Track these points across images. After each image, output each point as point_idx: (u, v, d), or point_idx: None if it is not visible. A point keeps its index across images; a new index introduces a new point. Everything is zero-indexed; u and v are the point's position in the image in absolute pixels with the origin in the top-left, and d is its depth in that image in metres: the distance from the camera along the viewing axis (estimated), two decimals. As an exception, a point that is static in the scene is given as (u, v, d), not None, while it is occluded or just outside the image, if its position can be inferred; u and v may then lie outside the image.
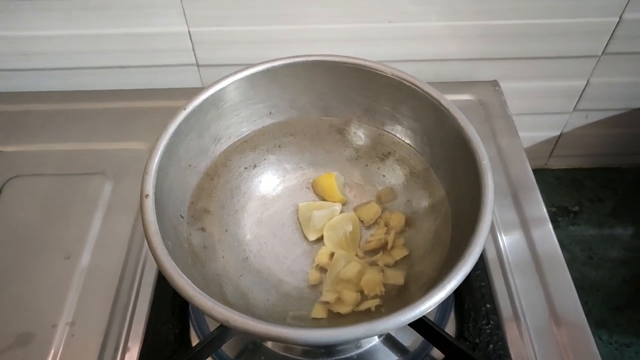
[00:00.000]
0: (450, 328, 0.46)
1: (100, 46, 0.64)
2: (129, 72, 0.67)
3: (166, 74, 0.67)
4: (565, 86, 0.70)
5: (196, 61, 0.66)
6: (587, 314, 0.46)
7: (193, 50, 0.64)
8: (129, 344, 0.46)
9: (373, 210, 0.48)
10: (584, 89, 0.71)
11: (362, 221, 0.48)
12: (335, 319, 0.41)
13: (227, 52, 0.65)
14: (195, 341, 0.45)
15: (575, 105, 0.73)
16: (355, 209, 0.49)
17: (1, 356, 0.45)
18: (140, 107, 0.65)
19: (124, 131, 0.62)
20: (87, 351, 0.45)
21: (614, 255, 0.78)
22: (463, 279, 0.34)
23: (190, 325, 0.46)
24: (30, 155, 0.60)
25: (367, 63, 0.45)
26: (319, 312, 0.42)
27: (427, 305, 0.32)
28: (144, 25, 0.61)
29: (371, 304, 0.41)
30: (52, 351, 0.45)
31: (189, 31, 0.62)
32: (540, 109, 0.74)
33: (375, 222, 0.48)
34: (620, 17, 0.61)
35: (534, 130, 0.78)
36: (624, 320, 0.73)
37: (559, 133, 0.78)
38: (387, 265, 0.44)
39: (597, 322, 0.72)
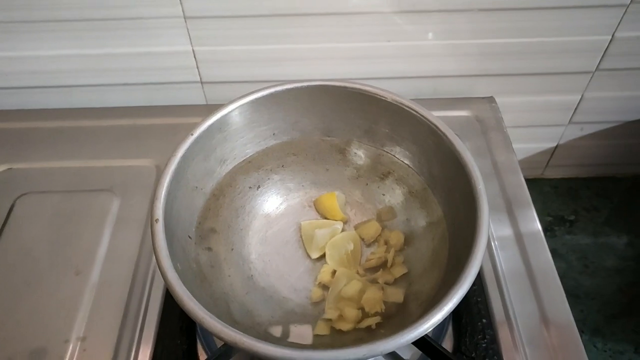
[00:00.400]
0: (447, 342, 0.47)
1: (106, 64, 0.65)
2: (134, 89, 0.68)
3: (171, 91, 0.68)
4: (561, 100, 0.72)
5: (200, 78, 0.67)
6: (582, 321, 0.47)
7: (197, 68, 0.66)
8: (139, 359, 0.47)
9: (373, 228, 0.49)
10: (579, 103, 0.72)
11: (362, 239, 0.50)
12: (337, 336, 0.43)
13: (230, 69, 0.66)
14: (202, 356, 0.47)
15: (571, 118, 0.75)
16: (356, 227, 0.51)
17: (16, 371, 0.46)
18: (146, 124, 0.66)
19: (129, 148, 0.64)
20: (99, 366, 0.47)
21: (609, 263, 0.80)
22: (460, 300, 0.35)
23: (198, 340, 0.48)
24: (39, 173, 0.62)
25: (367, 88, 0.47)
26: (321, 329, 0.43)
27: (426, 326, 0.34)
28: (149, 45, 0.63)
29: (372, 321, 0.42)
30: (65, 366, 0.47)
31: (193, 50, 0.64)
32: (537, 122, 0.76)
33: (376, 240, 0.50)
34: (612, 36, 0.63)
35: (531, 142, 0.80)
36: (619, 328, 0.74)
37: (555, 144, 0.80)
38: (387, 283, 0.46)
39: (592, 330, 0.74)
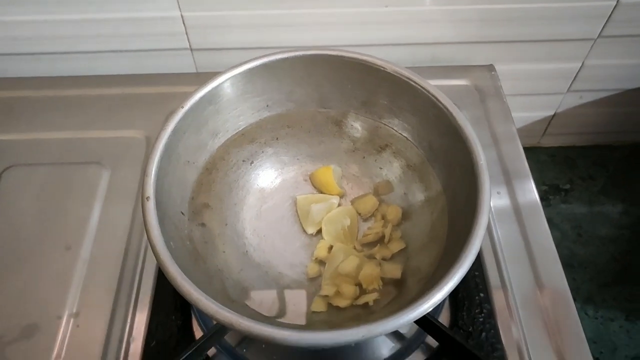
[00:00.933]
0: (444, 316, 0.47)
1: (91, 30, 0.63)
2: (120, 56, 0.66)
3: (159, 58, 0.66)
4: (561, 68, 0.70)
5: (190, 45, 0.65)
6: (575, 290, 0.47)
7: (186, 34, 0.63)
8: (134, 334, 0.47)
9: (370, 202, 0.48)
10: (579, 70, 0.71)
11: (359, 213, 0.49)
12: (334, 312, 0.43)
13: (221, 36, 0.64)
14: (197, 332, 0.46)
15: (570, 86, 0.73)
16: (352, 202, 0.50)
17: (8, 348, 0.46)
18: (134, 94, 0.64)
19: (118, 118, 0.62)
20: (93, 342, 0.46)
21: (603, 232, 0.80)
22: (460, 279, 0.35)
23: (193, 316, 0.47)
24: (25, 144, 0.60)
25: (365, 58, 0.45)
26: (318, 305, 0.43)
27: (426, 306, 0.34)
28: (135, 10, 0.60)
29: (369, 298, 0.42)
30: (58, 342, 0.46)
31: (181, 15, 0.61)
32: (535, 90, 0.74)
33: (373, 215, 0.49)
34: (617, 1, 0.61)
35: (528, 110, 0.78)
36: (610, 296, 0.75)
37: (552, 113, 0.79)
38: (384, 259, 0.45)
39: (584, 299, 0.75)
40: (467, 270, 0.35)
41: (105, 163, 0.58)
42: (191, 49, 0.65)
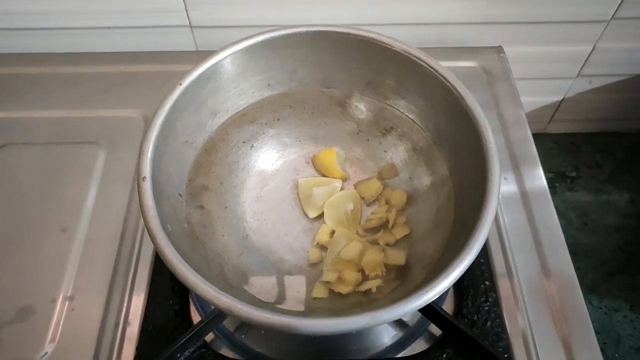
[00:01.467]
0: (448, 304, 0.46)
1: (87, 6, 0.60)
2: (117, 33, 0.64)
3: (158, 35, 0.64)
4: (571, 51, 0.68)
5: (189, 22, 0.63)
6: (579, 279, 0.47)
7: (186, 10, 0.61)
8: (130, 319, 0.46)
9: (374, 186, 0.47)
10: (590, 54, 0.69)
11: (362, 198, 0.47)
12: (336, 299, 0.41)
13: (222, 13, 0.61)
14: (195, 317, 0.45)
15: (580, 71, 0.72)
16: (355, 185, 0.48)
17: (2, 331, 0.45)
18: (131, 72, 0.62)
19: (115, 97, 0.60)
20: (88, 326, 0.45)
21: (609, 221, 0.78)
22: (467, 267, 0.34)
23: (190, 300, 0.46)
24: (19, 122, 0.58)
25: (372, 35, 0.43)
26: (320, 291, 0.42)
27: (431, 294, 0.32)
28: (133, -16, 0.58)
29: (372, 284, 0.41)
30: (53, 326, 0.45)
31: (181, -9, 0.59)
32: (544, 74, 0.72)
33: (376, 200, 0.47)
34: (634, -19, 0.59)
35: (536, 95, 0.76)
36: (615, 286, 0.74)
37: (561, 98, 0.77)
38: (388, 244, 0.44)
39: (588, 288, 0.74)
40: (474, 258, 0.34)
41: (102, 143, 0.56)
42: (191, 27, 0.63)
